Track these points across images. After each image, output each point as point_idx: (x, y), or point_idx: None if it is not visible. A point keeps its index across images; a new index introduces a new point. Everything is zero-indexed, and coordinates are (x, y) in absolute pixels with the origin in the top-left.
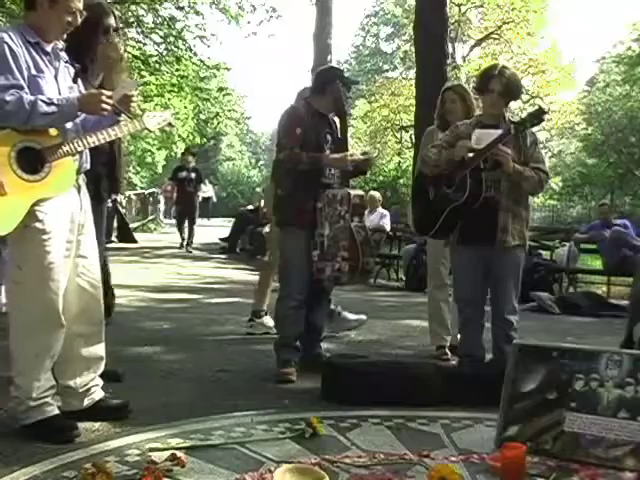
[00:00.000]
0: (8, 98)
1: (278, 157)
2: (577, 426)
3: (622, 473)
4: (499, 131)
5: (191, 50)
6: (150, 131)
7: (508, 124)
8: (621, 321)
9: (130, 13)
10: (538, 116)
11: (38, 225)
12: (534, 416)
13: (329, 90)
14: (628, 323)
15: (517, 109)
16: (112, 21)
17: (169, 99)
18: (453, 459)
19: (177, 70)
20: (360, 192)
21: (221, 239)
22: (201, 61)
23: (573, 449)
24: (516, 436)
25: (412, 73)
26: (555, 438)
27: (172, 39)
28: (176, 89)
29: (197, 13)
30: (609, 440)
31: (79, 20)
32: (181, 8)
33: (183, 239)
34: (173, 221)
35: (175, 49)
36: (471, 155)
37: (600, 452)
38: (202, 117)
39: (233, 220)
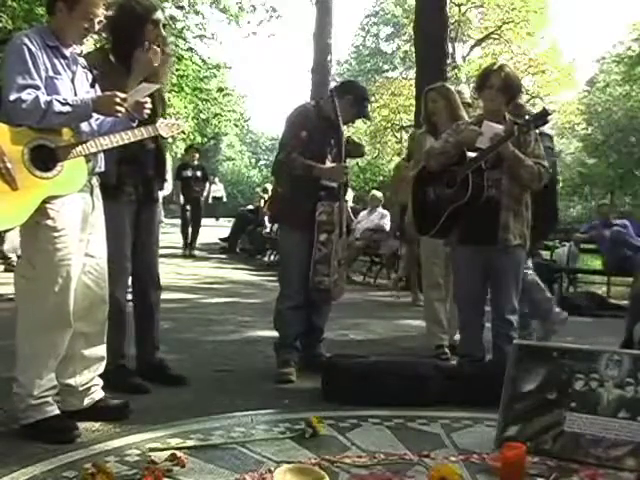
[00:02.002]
0: (25, 97)
1: (277, 157)
2: (577, 426)
3: (622, 473)
4: (501, 127)
5: (191, 50)
6: (163, 138)
7: (510, 124)
8: (621, 321)
9: None
10: (542, 117)
11: (50, 222)
12: (534, 416)
13: (356, 106)
14: (628, 323)
15: None
16: (160, 15)
17: (169, 99)
18: (453, 459)
19: (177, 70)
20: (329, 209)
21: (221, 239)
22: (202, 61)
23: (573, 449)
24: (516, 436)
25: (412, 73)
26: (555, 438)
27: (172, 39)
28: (176, 89)
29: (197, 13)
30: (609, 440)
31: (97, 27)
32: (181, 8)
33: (187, 245)
34: (173, 221)
35: (175, 49)
36: (474, 155)
37: (600, 452)
38: (202, 117)
39: (233, 220)
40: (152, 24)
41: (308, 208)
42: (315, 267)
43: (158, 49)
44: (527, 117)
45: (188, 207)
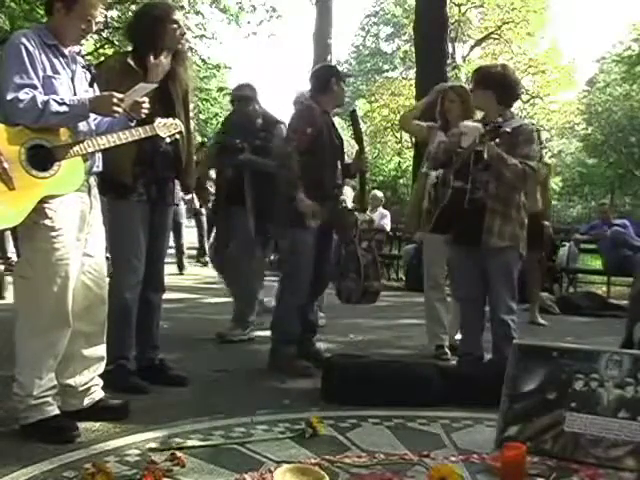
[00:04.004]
0: (22, 97)
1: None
2: (577, 426)
3: (622, 473)
4: (478, 125)
5: (191, 50)
6: (162, 138)
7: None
8: (621, 321)
9: (130, 13)
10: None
11: (47, 222)
12: (534, 416)
13: (335, 85)
14: (628, 323)
15: (517, 109)
16: (180, 16)
17: None
18: (453, 459)
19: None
20: (368, 217)
21: None
22: (202, 61)
23: (573, 449)
24: (516, 436)
25: (412, 73)
26: (555, 438)
27: None
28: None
29: (197, 13)
30: (609, 440)
31: (94, 28)
32: (181, 7)
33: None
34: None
35: None
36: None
37: (600, 452)
38: (202, 117)
39: None
40: (174, 24)
41: (329, 206)
42: (365, 272)
43: (167, 52)
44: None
45: (203, 211)
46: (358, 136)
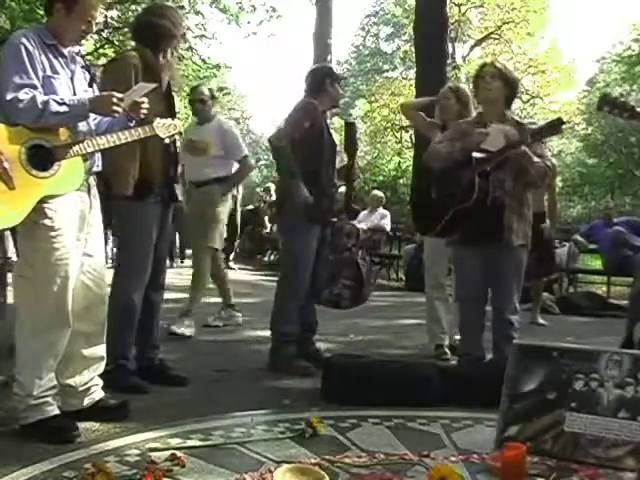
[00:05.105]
0: (22, 97)
1: (274, 142)
2: (577, 426)
3: (622, 473)
4: (507, 127)
5: (191, 50)
6: (161, 138)
7: (519, 127)
8: (621, 321)
9: (130, 13)
10: (557, 126)
11: (47, 222)
12: (534, 416)
13: (329, 86)
14: (628, 323)
15: (517, 109)
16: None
17: None
18: (453, 459)
19: (177, 70)
20: (365, 227)
21: None
22: (203, 60)
23: (573, 449)
24: (516, 436)
25: (412, 73)
26: (555, 438)
27: None
28: (176, 89)
29: (197, 13)
30: (609, 440)
31: (94, 28)
32: (181, 7)
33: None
34: None
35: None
36: (481, 156)
37: (600, 452)
38: None
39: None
40: (182, 38)
41: (326, 205)
42: (366, 279)
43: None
44: (541, 125)
45: None
46: (352, 149)
